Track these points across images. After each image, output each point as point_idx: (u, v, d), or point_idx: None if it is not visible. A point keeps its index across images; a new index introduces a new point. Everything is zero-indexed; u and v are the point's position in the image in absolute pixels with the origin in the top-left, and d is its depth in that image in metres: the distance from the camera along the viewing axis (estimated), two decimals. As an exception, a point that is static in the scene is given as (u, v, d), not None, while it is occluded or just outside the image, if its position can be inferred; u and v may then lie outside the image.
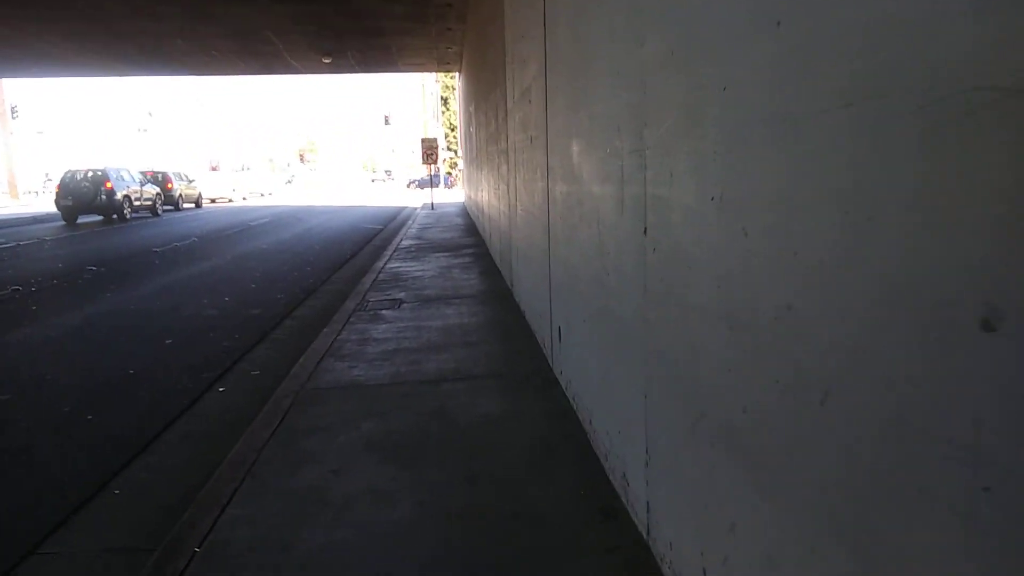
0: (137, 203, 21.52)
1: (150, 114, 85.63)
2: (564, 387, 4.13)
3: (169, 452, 3.92)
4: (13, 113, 49.09)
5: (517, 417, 3.81)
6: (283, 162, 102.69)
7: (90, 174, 20.23)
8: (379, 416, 3.91)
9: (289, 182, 67.96)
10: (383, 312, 6.81)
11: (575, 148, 3.65)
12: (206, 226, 19.24)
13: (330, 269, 10.83)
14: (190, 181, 28.42)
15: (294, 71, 23.88)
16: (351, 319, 6.57)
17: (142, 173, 24.66)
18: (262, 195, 39.59)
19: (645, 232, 2.38)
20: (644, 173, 2.38)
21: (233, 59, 21.58)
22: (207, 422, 4.38)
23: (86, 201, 19.77)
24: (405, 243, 13.30)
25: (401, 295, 7.69)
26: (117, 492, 3.46)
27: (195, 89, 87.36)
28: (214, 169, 52.97)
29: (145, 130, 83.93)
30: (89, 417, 4.49)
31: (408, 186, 59.40)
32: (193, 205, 28.19)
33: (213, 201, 33.55)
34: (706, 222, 1.83)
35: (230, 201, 34.14)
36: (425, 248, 12.24)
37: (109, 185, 20.06)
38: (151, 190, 22.58)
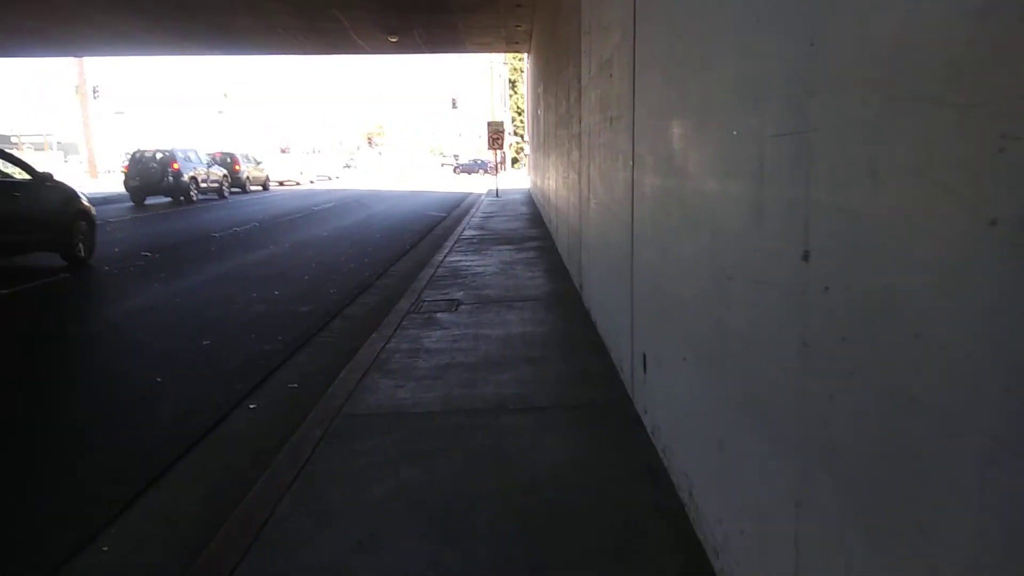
0: (204, 185, 21.54)
1: (225, 96, 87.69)
2: (650, 432, 3.33)
3: (173, 499, 3.30)
4: (94, 93, 50.78)
5: (593, 474, 3.04)
6: (352, 145, 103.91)
7: (158, 155, 20.31)
8: (423, 459, 3.21)
9: (347, 166, 68.46)
10: (438, 315, 6.12)
11: (676, 130, 2.84)
12: (270, 210, 19.06)
13: (388, 260, 10.25)
14: (258, 163, 28.49)
15: (360, 51, 23.47)
16: (403, 322, 5.90)
17: (210, 155, 24.78)
18: (329, 178, 39.69)
19: (806, 258, 1.57)
20: (806, 167, 1.57)
21: (300, 38, 21.28)
22: (228, 451, 3.77)
23: (153, 182, 19.84)
24: (467, 233, 12.63)
25: (459, 295, 7.00)
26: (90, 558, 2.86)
27: (269, 71, 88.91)
28: (284, 151, 53.61)
29: (221, 112, 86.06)
30: (91, 441, 3.94)
31: (455, 171, 57.83)
32: (260, 188, 28.27)
33: (281, 184, 33.68)
34: (969, 259, 1.02)
35: (297, 184, 34.23)
36: (487, 240, 11.53)
37: (176, 167, 20.09)
38: (218, 172, 22.59)
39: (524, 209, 17.63)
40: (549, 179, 11.89)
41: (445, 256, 9.76)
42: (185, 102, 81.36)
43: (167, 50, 23.42)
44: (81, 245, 9.86)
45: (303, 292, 7.97)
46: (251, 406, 4.43)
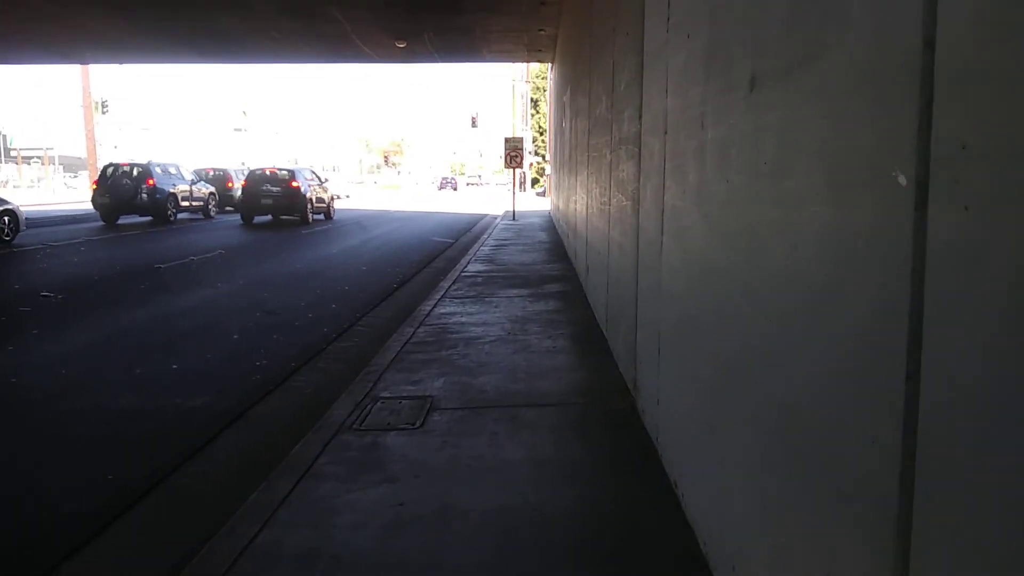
0: (185, 204, 19.21)
1: (244, 113, 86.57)
2: None
3: None
4: (103, 108, 49.24)
5: None
6: (370, 162, 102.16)
7: (134, 170, 18.04)
8: None
9: (360, 183, 66.49)
10: (389, 442, 3.54)
11: None
12: (249, 234, 16.66)
13: (362, 308, 7.71)
14: (255, 180, 26.25)
15: (367, 58, 21.17)
16: (320, 460, 3.33)
17: (198, 171, 22.54)
18: (338, 197, 37.32)
19: None
20: None
21: (297, 43, 19.02)
22: None
23: (125, 199, 17.53)
24: (472, 268, 10.07)
25: (437, 385, 4.42)
26: None
27: (288, 88, 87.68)
28: (292, 169, 51.48)
29: (240, 129, 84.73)
30: None
31: (439, 188, 65.25)
32: (257, 206, 26.00)
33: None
34: None
35: (302, 203, 32.01)
36: (495, 279, 8.96)
37: (151, 182, 17.80)
38: (203, 190, 20.27)
39: (543, 237, 15.06)
40: (576, 203, 9.32)
41: (436, 304, 7.20)
42: (205, 119, 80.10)
43: (157, 56, 21.32)
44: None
45: (212, 368, 5.43)
46: None
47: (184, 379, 5.08)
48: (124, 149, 54.42)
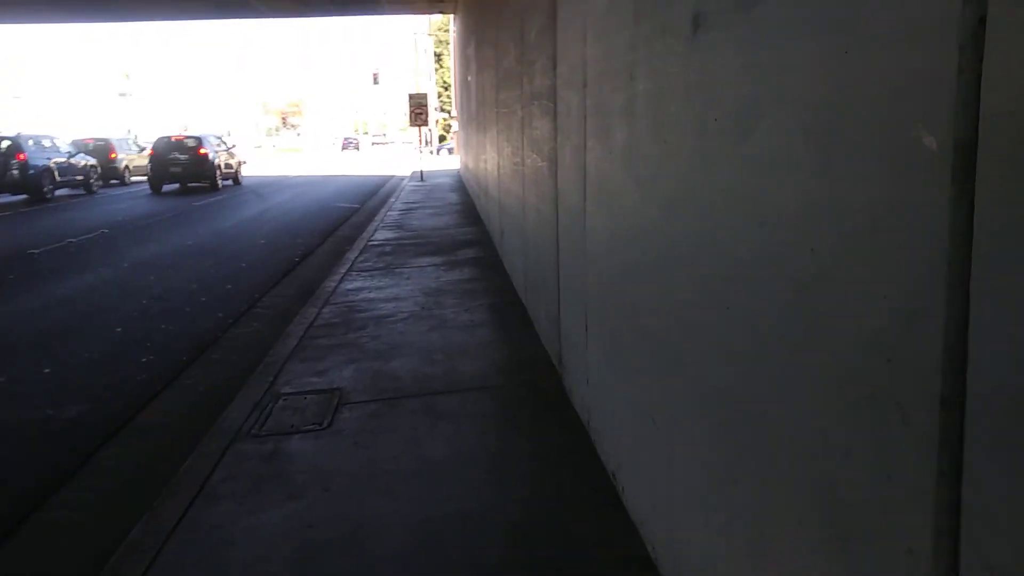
0: (63, 178, 17.60)
1: (127, 76, 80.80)
2: None
3: None
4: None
5: None
6: (268, 125, 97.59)
7: (0, 144, 16.32)
8: None
9: (259, 147, 63.51)
10: (292, 448, 3.14)
11: None
12: (139, 208, 15.43)
13: (261, 286, 7.13)
14: (141, 149, 24.29)
15: (257, 12, 19.78)
16: (214, 477, 2.91)
17: (77, 141, 20.67)
18: (243, 162, 35.19)
19: None
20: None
21: (181, -2, 17.55)
22: None
23: (-7, 178, 15.89)
24: (380, 235, 9.57)
25: (346, 373, 4.02)
26: None
27: (175, 50, 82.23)
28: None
29: (125, 95, 79.03)
30: None
31: (343, 148, 65.58)
32: (144, 178, 24.11)
33: (176, 172, 29.51)
34: None
35: (195, 172, 30.03)
36: (406, 246, 8.52)
37: (22, 157, 16.15)
38: (83, 162, 18.61)
39: (453, 198, 14.61)
40: (486, 163, 8.93)
41: (342, 279, 6.72)
42: (86, 85, 74.14)
43: (21, 14, 19.23)
44: None
45: (90, 369, 4.84)
46: None
47: (57, 385, 4.48)
48: (-4, 120, 49.77)
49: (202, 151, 19.80)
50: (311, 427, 3.32)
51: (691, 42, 1.63)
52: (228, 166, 21.32)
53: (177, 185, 20.25)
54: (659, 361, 2.05)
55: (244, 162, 24.23)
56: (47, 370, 4.76)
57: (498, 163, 7.11)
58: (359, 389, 3.78)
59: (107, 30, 63.37)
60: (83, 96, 72.55)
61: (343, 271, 7.12)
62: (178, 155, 19.68)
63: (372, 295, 6.00)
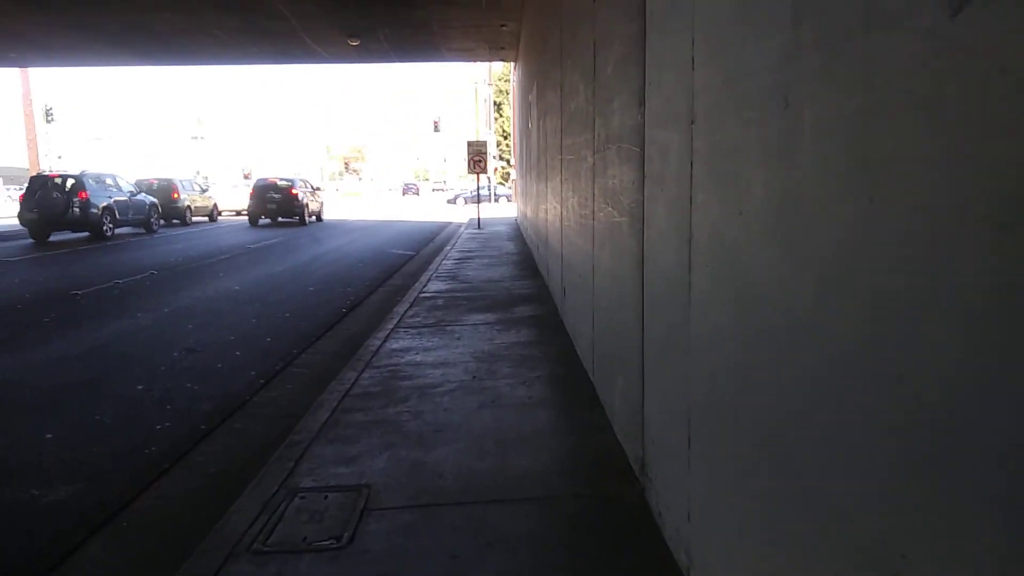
0: (123, 217, 17.74)
1: (200, 121, 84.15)
2: None
3: None
4: (47, 115, 47.13)
5: None
6: (332, 170, 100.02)
7: (64, 182, 16.54)
8: None
9: (322, 190, 65.20)
10: (300, 574, 2.46)
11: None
12: (195, 249, 15.27)
13: (300, 342, 6.58)
14: (203, 191, 24.63)
15: (318, 57, 19.98)
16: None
17: (140, 181, 21.01)
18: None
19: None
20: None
21: (242, 41, 17.76)
22: None
23: (56, 214, 16.00)
24: (432, 286, 9.00)
25: (379, 464, 3.34)
26: None
27: (245, 96, 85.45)
28: (246, 177, 49.55)
29: (197, 137, 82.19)
30: None
31: (404, 194, 69.08)
32: (207, 219, 24.43)
33: (239, 213, 29.86)
34: None
35: (255, 214, 30.41)
36: (458, 301, 7.90)
37: (84, 195, 16.32)
38: (144, 202, 18.81)
39: (510, 247, 14.04)
40: (547, 212, 8.30)
41: (387, 337, 6.12)
42: (161, 128, 77.44)
43: (94, 59, 19.86)
44: None
45: (96, 437, 4.29)
46: None
47: (54, 455, 3.93)
48: (75, 160, 51.96)
49: (293, 191, 23.27)
50: (327, 543, 2.64)
51: (949, 30, 0.93)
52: (313, 206, 24.94)
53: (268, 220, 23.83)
54: (819, 529, 1.30)
55: (323, 203, 27.17)
56: (49, 435, 4.22)
57: (561, 214, 6.46)
58: (392, 488, 3.09)
59: (182, 73, 66.11)
60: (158, 139, 75.77)
61: (390, 327, 6.52)
62: (273, 194, 23.13)
63: (418, 358, 5.36)
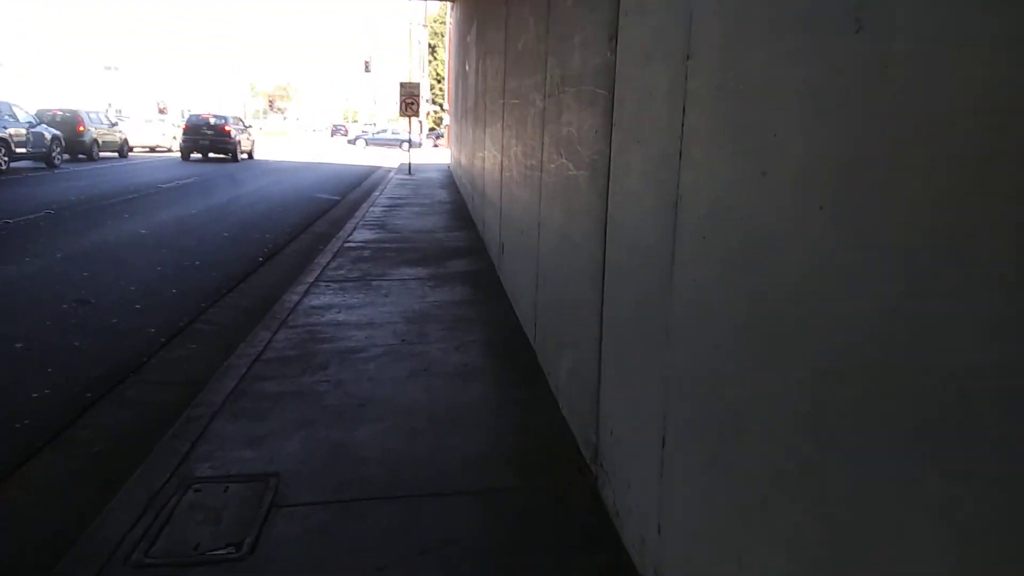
0: (21, 151, 16.18)
1: (112, 50, 78.46)
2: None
3: None
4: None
5: None
6: (256, 108, 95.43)
7: (-49, 112, 14.86)
8: None
9: (250, 126, 61.84)
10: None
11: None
12: (100, 186, 14.05)
13: (209, 294, 5.98)
14: (112, 124, 22.74)
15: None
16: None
17: (41, 112, 19.22)
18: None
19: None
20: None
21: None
22: None
23: (-58, 147, 14.45)
24: (358, 235, 8.43)
25: (291, 446, 2.90)
26: None
27: (165, 24, 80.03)
28: (162, 112, 46.56)
29: (111, 68, 76.70)
30: None
31: (332, 135, 61.11)
32: (116, 154, 22.63)
33: (153, 150, 27.89)
34: None
35: (169, 151, 28.48)
36: (388, 252, 7.38)
37: (-27, 127, 14.75)
38: (45, 134, 17.18)
39: (443, 195, 13.47)
40: (484, 161, 7.81)
41: (308, 290, 5.59)
42: (71, 57, 71.75)
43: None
44: None
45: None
46: None
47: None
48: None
49: (226, 128, 23.45)
50: (224, 551, 2.20)
51: None
52: (245, 143, 24.92)
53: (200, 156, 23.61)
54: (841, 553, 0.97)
55: (254, 141, 26.99)
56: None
57: (501, 163, 6.00)
58: (306, 477, 2.66)
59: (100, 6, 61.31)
60: (68, 69, 70.36)
61: (310, 280, 5.98)
62: (206, 131, 23.22)
63: (341, 317, 4.87)
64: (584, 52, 2.82)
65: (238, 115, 28.70)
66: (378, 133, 48.98)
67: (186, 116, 26.00)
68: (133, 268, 6.80)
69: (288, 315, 4.90)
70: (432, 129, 51.62)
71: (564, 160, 3.20)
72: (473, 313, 5.07)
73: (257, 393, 3.48)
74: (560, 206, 3.33)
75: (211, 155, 23.73)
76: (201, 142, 23.22)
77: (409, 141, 22.70)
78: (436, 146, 42.73)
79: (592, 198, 2.68)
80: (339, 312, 4.99)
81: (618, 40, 2.35)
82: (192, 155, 23.32)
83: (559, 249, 3.37)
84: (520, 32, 4.80)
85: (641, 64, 2.10)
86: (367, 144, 43.74)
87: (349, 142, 45.75)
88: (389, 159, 28.82)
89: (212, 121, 23.68)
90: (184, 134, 23.63)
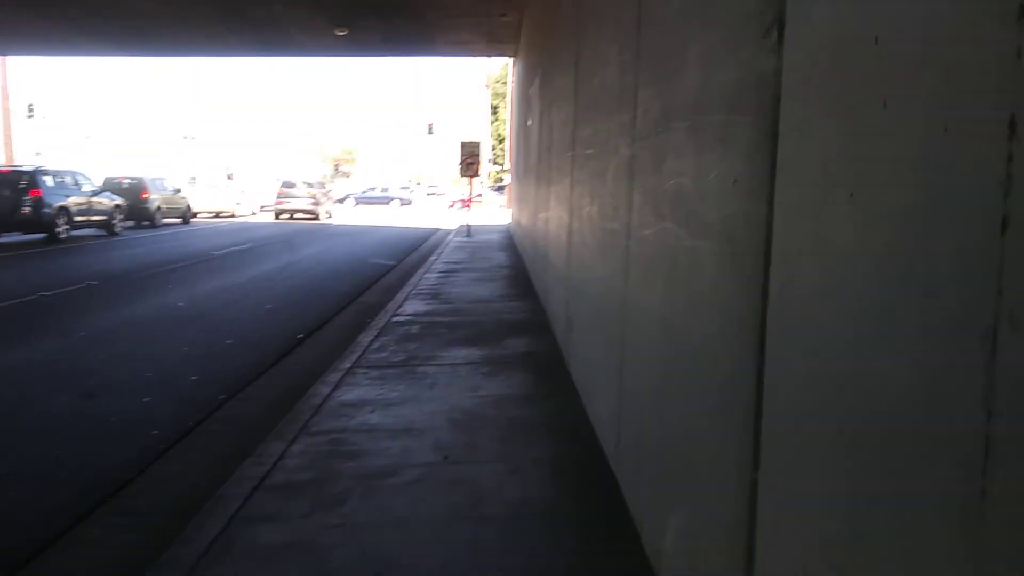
0: (82, 218, 16.19)
1: (192, 121, 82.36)
2: None
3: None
4: (29, 111, 45.85)
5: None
6: (324, 172, 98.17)
7: (16, 179, 14.97)
8: None
9: (331, 190, 62.58)
10: None
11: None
12: (149, 255, 13.66)
13: (232, 382, 5.16)
14: (176, 191, 22.87)
15: (303, 49, 18.63)
16: None
17: (108, 179, 19.44)
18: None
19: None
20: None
21: (220, 30, 16.30)
22: None
23: (2, 213, 14.50)
24: (410, 307, 7.57)
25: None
26: None
27: (240, 95, 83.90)
28: (229, 178, 47.77)
29: (189, 137, 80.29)
30: None
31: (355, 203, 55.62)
32: (180, 220, 22.68)
33: (217, 215, 28.19)
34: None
35: (232, 216, 28.71)
36: (438, 328, 6.48)
37: (37, 193, 14.78)
38: (107, 202, 17.21)
39: (502, 259, 12.63)
40: (548, 223, 6.90)
41: (342, 380, 4.69)
42: (153, 128, 75.49)
43: (68, 48, 18.39)
44: None
45: None
46: None
47: None
48: (55, 157, 50.04)
49: (311, 192, 28.24)
50: None
51: None
52: (327, 205, 29.28)
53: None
54: None
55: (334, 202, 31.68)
56: None
57: (568, 226, 5.07)
58: None
59: (176, 71, 64.59)
60: (150, 138, 73.84)
61: (347, 365, 5.10)
62: (297, 193, 28.03)
63: (374, 419, 3.94)
64: (707, 67, 1.87)
65: (321, 180, 33.05)
66: (366, 192, 50.33)
67: (278, 181, 29.99)
68: (158, 349, 6.08)
69: (312, 416, 3.99)
70: (493, 186, 51.61)
71: (669, 224, 2.23)
72: (534, 416, 4.06)
73: (243, 548, 2.53)
74: (663, 289, 2.34)
75: (297, 217, 27.70)
76: (289, 206, 27.44)
77: (400, 199, 23.12)
78: (500, 206, 42.41)
79: (725, 282, 1.69)
80: (373, 412, 4.05)
81: (784, 32, 1.38)
82: (281, 216, 27.50)
83: (664, 350, 2.36)
84: (595, 68, 3.91)
85: (840, 66, 1.13)
86: (356, 203, 44.71)
87: (337, 201, 42.95)
88: (449, 221, 28.44)
89: (298, 186, 28.17)
90: (277, 198, 27.90)
